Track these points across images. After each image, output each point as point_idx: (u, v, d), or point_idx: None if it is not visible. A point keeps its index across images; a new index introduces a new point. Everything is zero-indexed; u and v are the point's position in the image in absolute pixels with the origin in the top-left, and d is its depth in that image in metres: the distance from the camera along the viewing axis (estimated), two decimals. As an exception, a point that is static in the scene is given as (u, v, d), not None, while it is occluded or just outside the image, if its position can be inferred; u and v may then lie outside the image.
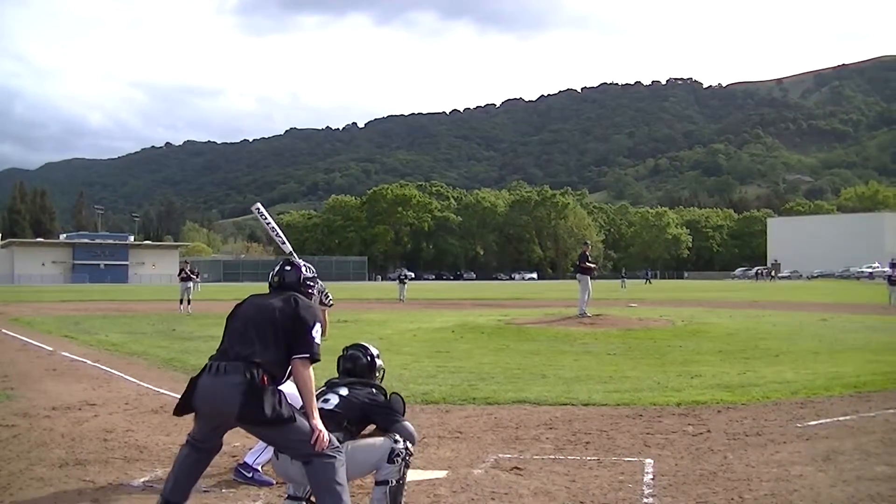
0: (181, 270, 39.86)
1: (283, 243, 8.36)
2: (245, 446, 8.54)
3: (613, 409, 11.25)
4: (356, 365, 6.91)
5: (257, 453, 7.78)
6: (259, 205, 8.92)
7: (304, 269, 6.64)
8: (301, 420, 5.77)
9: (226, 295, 53.25)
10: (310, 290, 6.63)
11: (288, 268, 6.59)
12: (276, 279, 6.54)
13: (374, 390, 6.69)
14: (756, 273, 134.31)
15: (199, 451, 6.11)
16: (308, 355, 5.88)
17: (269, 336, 5.91)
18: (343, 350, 7.07)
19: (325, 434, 5.78)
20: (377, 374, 6.96)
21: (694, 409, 11.18)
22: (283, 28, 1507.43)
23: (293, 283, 6.48)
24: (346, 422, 6.36)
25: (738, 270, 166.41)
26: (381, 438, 6.41)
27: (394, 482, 6.25)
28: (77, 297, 58.65)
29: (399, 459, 6.27)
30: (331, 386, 6.71)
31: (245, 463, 7.78)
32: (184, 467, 6.08)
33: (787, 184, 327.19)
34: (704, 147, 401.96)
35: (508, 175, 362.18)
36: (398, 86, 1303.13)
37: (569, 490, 7.29)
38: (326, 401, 6.47)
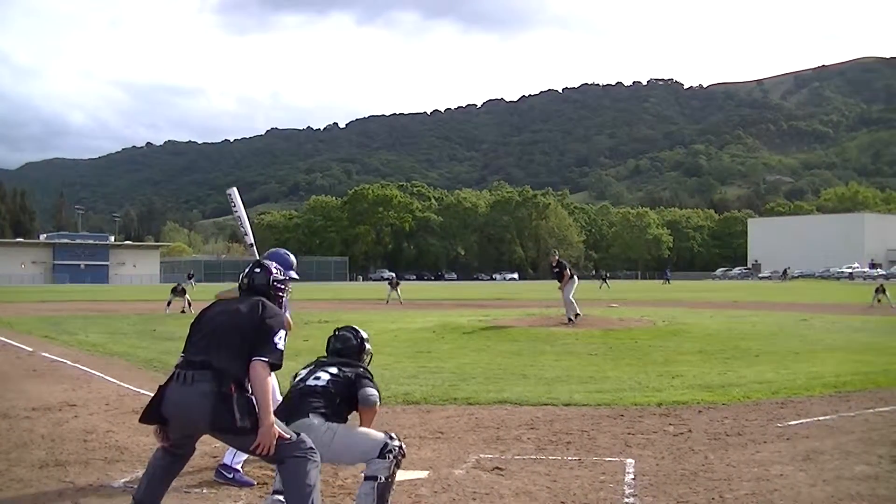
0: (176, 286, 39.54)
1: (246, 234, 8.36)
2: (226, 446, 8.54)
3: (594, 409, 11.27)
4: (346, 346, 6.88)
5: (234, 452, 7.79)
6: (235, 189, 8.83)
7: (274, 270, 6.49)
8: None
9: (206, 295, 53.01)
10: (280, 294, 6.50)
11: (258, 270, 6.45)
12: (245, 281, 6.43)
13: (362, 370, 6.69)
14: (783, 273, 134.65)
15: (173, 455, 6.04)
16: (268, 360, 5.75)
17: (235, 343, 5.80)
18: (334, 331, 7.05)
19: (276, 433, 5.65)
20: (365, 357, 6.93)
21: (675, 409, 11.21)
22: (264, 27, 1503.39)
23: (262, 286, 6.34)
24: (338, 399, 6.38)
25: (719, 271, 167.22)
26: (378, 432, 6.39)
27: (383, 479, 6.14)
28: (57, 297, 58.55)
29: (391, 456, 6.19)
30: (319, 365, 6.68)
31: (225, 464, 7.77)
32: (157, 470, 6.02)
33: (768, 184, 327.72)
34: (685, 148, 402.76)
35: (490, 175, 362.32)
36: (380, 86, 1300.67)
37: (550, 490, 7.30)
38: (318, 378, 6.48)
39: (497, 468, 8.06)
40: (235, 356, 5.73)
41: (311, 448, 5.73)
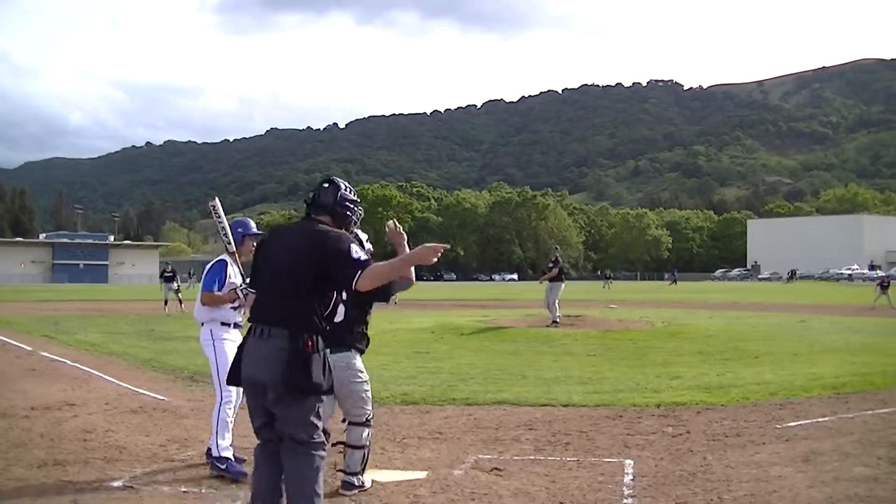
0: (163, 271, 39.89)
1: (229, 243, 8.43)
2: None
3: (593, 409, 11.27)
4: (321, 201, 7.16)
5: (215, 436, 7.89)
6: (217, 201, 8.83)
7: (343, 186, 6.03)
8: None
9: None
10: (348, 213, 6.01)
11: (325, 185, 6.00)
12: (311, 196, 5.98)
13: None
14: (791, 274, 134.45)
15: (272, 453, 5.53)
16: (359, 270, 5.29)
17: (303, 283, 5.41)
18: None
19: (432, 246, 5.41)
20: (349, 216, 6.81)
21: (673, 410, 11.20)
22: (263, 27, 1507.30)
23: (328, 204, 5.89)
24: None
25: (719, 272, 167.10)
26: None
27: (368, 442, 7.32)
28: (56, 297, 58.52)
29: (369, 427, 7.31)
30: None
31: (212, 454, 7.91)
32: (262, 480, 5.59)
33: (767, 186, 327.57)
34: (685, 149, 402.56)
35: (489, 176, 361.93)
36: (379, 86, 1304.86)
37: (549, 491, 7.30)
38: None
39: (496, 469, 8.05)
40: (306, 300, 5.42)
41: (324, 442, 5.54)
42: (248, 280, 7.88)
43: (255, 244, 7.97)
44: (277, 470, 5.48)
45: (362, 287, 5.35)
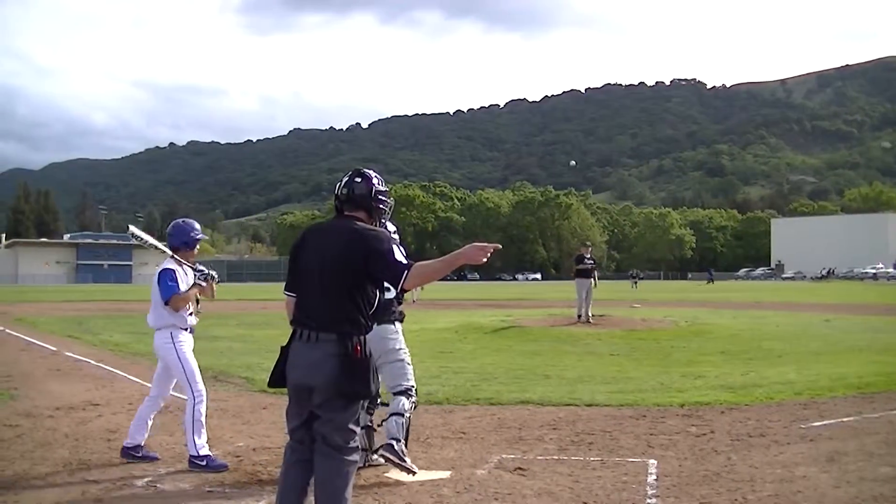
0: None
1: (165, 252, 8.68)
2: (249, 446, 8.59)
3: (617, 409, 11.23)
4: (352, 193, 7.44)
5: (191, 436, 8.03)
6: (133, 229, 9.09)
7: (376, 179, 5.89)
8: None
9: (229, 295, 53.17)
10: (381, 206, 5.91)
11: (358, 179, 5.82)
12: (343, 191, 5.79)
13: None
14: (828, 272, 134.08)
15: (303, 454, 5.46)
16: (405, 273, 5.25)
17: (345, 284, 5.36)
18: None
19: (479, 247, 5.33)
20: (381, 208, 7.28)
21: (697, 409, 11.15)
22: (286, 27, 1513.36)
23: (363, 197, 5.76)
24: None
25: (742, 271, 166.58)
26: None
27: (407, 415, 7.48)
28: (80, 297, 58.73)
29: (413, 399, 7.64)
30: None
31: (193, 455, 8.01)
32: (289, 480, 5.51)
33: (791, 184, 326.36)
34: (708, 148, 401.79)
35: (512, 175, 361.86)
36: (402, 86, 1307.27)
37: (572, 491, 7.27)
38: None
39: (519, 468, 8.03)
40: (349, 301, 5.36)
41: (358, 448, 5.48)
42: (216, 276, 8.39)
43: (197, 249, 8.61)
44: (306, 472, 5.43)
45: (409, 287, 5.36)
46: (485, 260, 5.27)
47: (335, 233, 5.62)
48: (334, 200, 5.93)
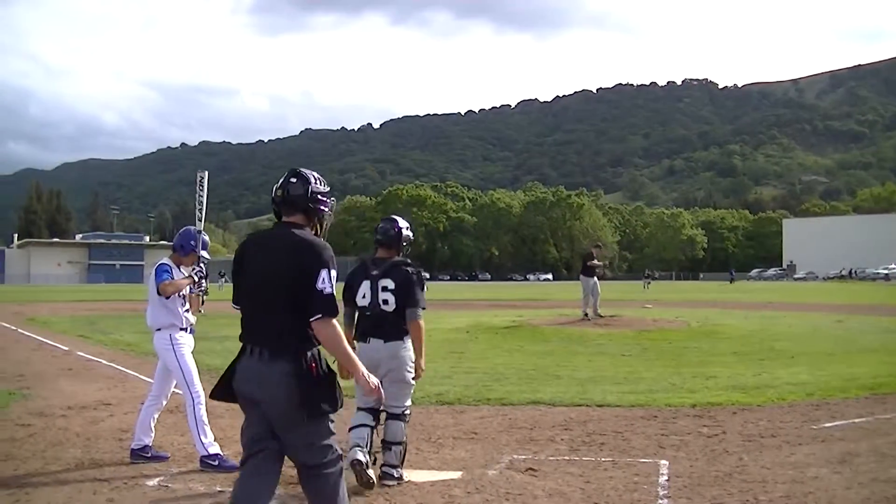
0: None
1: (200, 220, 8.73)
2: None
3: (628, 410, 11.23)
4: (386, 236, 7.85)
5: (197, 437, 8.11)
6: (206, 174, 9.33)
7: (313, 180, 5.37)
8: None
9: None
10: (321, 207, 5.37)
11: (293, 179, 5.35)
12: (279, 193, 5.34)
13: (408, 270, 7.66)
14: (849, 273, 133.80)
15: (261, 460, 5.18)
16: (319, 315, 4.94)
17: (290, 301, 5.01)
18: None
19: (376, 382, 5.32)
20: (404, 245, 7.91)
21: (709, 410, 11.14)
22: (297, 27, 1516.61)
23: (299, 198, 5.29)
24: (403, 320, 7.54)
25: (754, 271, 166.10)
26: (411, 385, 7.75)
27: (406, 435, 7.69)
28: (92, 297, 58.84)
29: (407, 419, 7.71)
30: (373, 277, 7.64)
31: (203, 455, 8.08)
32: (246, 491, 5.17)
33: (803, 185, 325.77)
34: (720, 148, 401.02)
35: (523, 176, 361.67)
36: (413, 86, 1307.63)
37: (583, 491, 7.28)
38: (385, 302, 7.47)
39: (530, 469, 8.04)
40: (293, 315, 5.01)
41: (340, 455, 5.25)
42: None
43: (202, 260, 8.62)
44: (264, 482, 5.16)
45: (318, 332, 5.01)
46: (369, 392, 5.42)
47: (273, 246, 5.26)
48: (272, 203, 5.47)
